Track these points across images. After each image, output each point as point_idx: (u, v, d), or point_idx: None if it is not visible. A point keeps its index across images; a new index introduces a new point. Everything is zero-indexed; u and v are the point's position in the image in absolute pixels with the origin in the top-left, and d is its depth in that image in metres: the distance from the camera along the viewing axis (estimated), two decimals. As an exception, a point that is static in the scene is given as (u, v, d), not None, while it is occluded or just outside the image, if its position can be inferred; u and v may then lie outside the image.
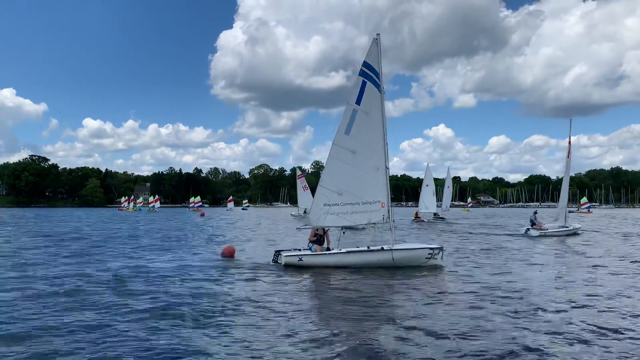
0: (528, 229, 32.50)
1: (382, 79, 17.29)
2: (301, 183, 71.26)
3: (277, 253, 17.03)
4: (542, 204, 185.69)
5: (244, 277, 14.65)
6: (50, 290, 12.39)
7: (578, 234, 33.81)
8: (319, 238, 16.99)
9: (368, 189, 17.08)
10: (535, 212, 34.80)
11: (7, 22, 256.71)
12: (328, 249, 16.82)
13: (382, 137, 17.19)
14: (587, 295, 12.03)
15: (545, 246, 25.45)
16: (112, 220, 60.81)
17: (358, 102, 16.88)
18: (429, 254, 16.84)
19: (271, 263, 16.89)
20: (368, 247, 17.04)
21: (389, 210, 17.26)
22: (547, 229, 32.29)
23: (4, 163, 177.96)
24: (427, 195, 53.86)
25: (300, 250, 17.23)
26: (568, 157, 36.00)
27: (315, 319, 9.94)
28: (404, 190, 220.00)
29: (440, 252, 17.19)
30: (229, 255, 19.62)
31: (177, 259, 18.97)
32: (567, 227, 33.63)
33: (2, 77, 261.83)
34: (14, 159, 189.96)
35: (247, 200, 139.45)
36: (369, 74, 16.98)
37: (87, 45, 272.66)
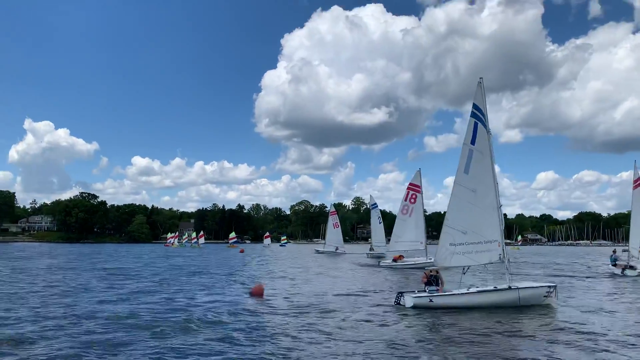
0: (624, 269, 31.23)
1: (485, 119, 17.57)
2: (333, 220, 71.11)
3: (400, 294, 16.84)
4: (592, 242, 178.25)
5: (379, 321, 14.07)
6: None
7: None
8: (431, 280, 16.84)
9: (488, 228, 17.16)
10: (614, 251, 34.28)
11: (64, 67, 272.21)
12: (444, 291, 16.74)
13: (493, 176, 17.38)
14: None
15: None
16: (171, 255, 62.06)
17: (473, 142, 17.27)
18: (547, 292, 16.77)
19: (393, 305, 16.65)
20: (495, 287, 16.89)
21: (503, 249, 17.20)
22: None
23: (57, 200, 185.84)
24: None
25: (415, 292, 16.96)
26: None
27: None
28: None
29: (554, 291, 16.98)
30: (258, 294, 19.20)
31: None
32: None
33: (58, 117, 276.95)
34: (65, 195, 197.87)
35: (285, 237, 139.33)
36: (478, 115, 17.42)
37: (137, 87, 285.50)
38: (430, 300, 15.91)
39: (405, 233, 40.10)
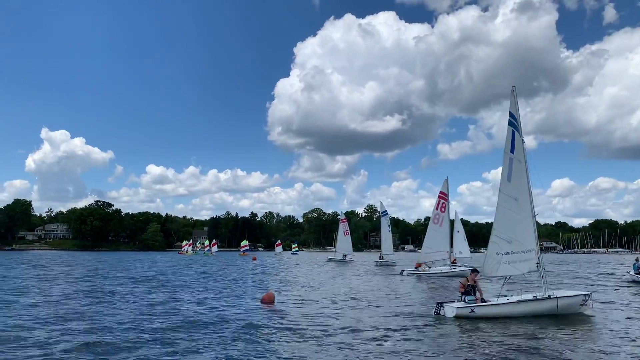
0: None
1: (519, 127, 17.60)
2: (343, 227, 70.88)
3: (439, 305, 16.74)
4: (609, 250, 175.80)
5: (422, 333, 13.79)
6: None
7: None
8: (468, 289, 16.65)
9: (528, 237, 17.24)
10: (637, 259, 34.11)
11: (80, 76, 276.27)
12: (483, 300, 16.56)
13: (528, 184, 17.45)
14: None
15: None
16: (186, 264, 62.23)
17: (512, 150, 17.40)
18: (583, 300, 16.77)
19: (433, 315, 16.52)
20: (534, 296, 16.83)
21: (539, 257, 17.27)
22: None
23: (72, 208, 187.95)
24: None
25: (455, 302, 16.85)
26: None
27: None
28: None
29: (589, 299, 16.93)
30: (269, 301, 19.33)
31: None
32: None
33: (74, 127, 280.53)
34: (81, 204, 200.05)
35: (296, 245, 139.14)
36: (513, 122, 17.50)
37: (152, 96, 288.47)
38: (472, 311, 15.81)
39: (437, 243, 39.44)
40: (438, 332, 13.93)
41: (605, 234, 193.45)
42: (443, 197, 39.80)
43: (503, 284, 17.86)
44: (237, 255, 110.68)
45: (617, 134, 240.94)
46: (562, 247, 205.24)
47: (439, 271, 37.89)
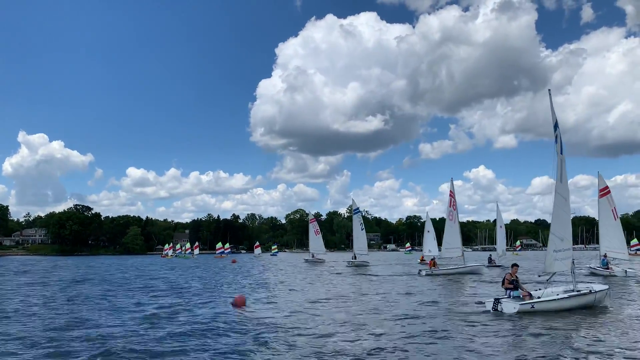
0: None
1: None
2: (313, 227, 70.41)
3: (497, 301, 16.98)
4: (587, 246, 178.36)
5: (482, 329, 14.00)
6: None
7: None
8: (515, 284, 17.38)
9: (570, 235, 18.68)
10: (605, 255, 36.31)
11: (57, 78, 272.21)
12: (529, 295, 17.25)
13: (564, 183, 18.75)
14: None
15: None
16: (196, 266, 61.45)
17: (562, 151, 18.49)
18: (607, 293, 17.91)
19: (491, 311, 16.74)
20: (579, 290, 17.68)
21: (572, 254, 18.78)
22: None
23: (50, 212, 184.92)
24: (500, 238, 51.75)
25: (508, 298, 17.47)
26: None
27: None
28: (442, 233, 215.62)
29: (608, 293, 18.10)
30: (240, 305, 18.94)
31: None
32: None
33: (52, 130, 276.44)
34: (60, 208, 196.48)
35: (275, 246, 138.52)
36: (557, 125, 18.52)
37: (131, 97, 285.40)
38: (532, 307, 16.44)
39: (454, 240, 40.55)
40: (509, 327, 14.23)
41: (584, 231, 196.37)
42: (452, 195, 41.60)
43: (548, 280, 19.06)
44: (223, 258, 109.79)
45: (594, 132, 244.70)
46: (541, 244, 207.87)
47: (454, 268, 38.31)
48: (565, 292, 17.84)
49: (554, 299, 17.02)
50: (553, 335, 12.94)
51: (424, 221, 59.95)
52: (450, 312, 17.24)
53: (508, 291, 17.28)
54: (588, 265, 37.61)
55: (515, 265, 18.31)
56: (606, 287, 18.48)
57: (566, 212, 18.32)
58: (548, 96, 19.01)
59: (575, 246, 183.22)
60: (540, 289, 18.64)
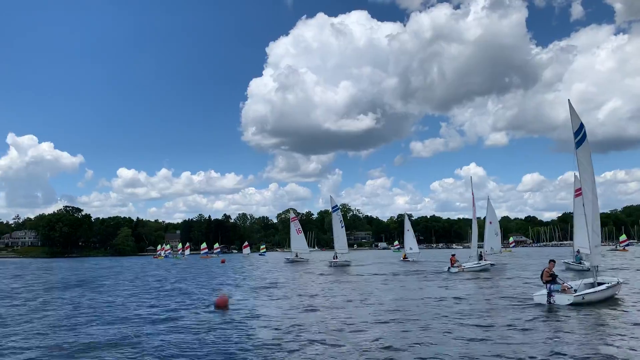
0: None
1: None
2: (295, 226, 69.29)
3: (549, 294, 17.86)
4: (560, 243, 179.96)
5: (563, 321, 14.77)
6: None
7: None
8: (555, 278, 18.36)
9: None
10: (578, 251, 39.21)
11: (47, 79, 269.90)
12: (570, 288, 18.39)
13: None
14: None
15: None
16: (204, 268, 61.10)
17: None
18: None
19: (546, 304, 17.60)
20: (610, 283, 19.08)
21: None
22: None
23: (40, 214, 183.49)
24: (490, 235, 52.43)
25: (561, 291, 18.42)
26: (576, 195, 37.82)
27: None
28: (434, 231, 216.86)
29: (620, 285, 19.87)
30: (223, 306, 18.63)
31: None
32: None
33: (42, 131, 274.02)
34: (50, 210, 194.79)
35: (264, 246, 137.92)
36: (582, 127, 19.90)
37: (122, 97, 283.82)
38: (583, 298, 17.46)
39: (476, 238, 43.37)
40: (568, 318, 15.15)
41: (572, 227, 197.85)
42: (472, 196, 44.57)
43: (596, 274, 19.66)
44: (212, 257, 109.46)
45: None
46: (531, 241, 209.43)
47: (477, 265, 39.31)
48: (599, 284, 19.03)
49: (599, 290, 18.25)
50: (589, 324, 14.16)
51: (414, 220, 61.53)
52: (509, 307, 17.66)
53: (548, 285, 18.10)
54: (563, 261, 39.52)
55: (552, 261, 19.28)
56: (621, 280, 20.55)
57: (597, 210, 19.60)
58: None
59: (565, 242, 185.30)
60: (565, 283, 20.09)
